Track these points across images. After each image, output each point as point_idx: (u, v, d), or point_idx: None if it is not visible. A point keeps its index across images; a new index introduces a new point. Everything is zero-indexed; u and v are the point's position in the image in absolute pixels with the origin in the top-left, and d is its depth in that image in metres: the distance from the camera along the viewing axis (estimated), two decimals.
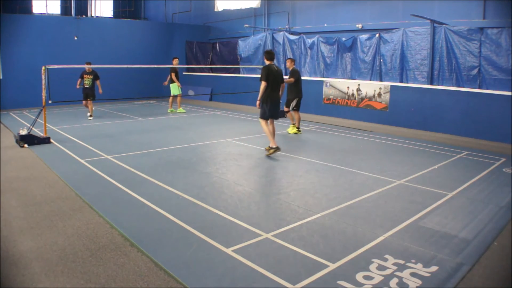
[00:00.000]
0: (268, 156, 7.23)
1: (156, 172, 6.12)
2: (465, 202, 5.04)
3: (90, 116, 11.72)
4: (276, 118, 7.54)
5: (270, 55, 7.42)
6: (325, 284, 3.08)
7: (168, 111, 13.61)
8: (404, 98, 11.17)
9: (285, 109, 9.70)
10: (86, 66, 11.24)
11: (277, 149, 7.22)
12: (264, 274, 3.21)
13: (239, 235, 3.95)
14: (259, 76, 7.32)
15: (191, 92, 12.85)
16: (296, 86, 9.46)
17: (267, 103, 7.28)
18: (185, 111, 13.74)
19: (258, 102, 7.29)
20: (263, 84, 7.13)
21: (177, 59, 13.38)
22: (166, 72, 13.93)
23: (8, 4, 17.62)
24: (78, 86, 11.63)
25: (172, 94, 13.38)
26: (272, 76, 7.20)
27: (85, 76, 11.48)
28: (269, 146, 7.30)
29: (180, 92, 13.57)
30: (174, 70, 13.25)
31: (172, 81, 13.26)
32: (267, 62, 7.35)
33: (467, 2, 10.74)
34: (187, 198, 5.01)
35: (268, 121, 7.41)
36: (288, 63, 9.86)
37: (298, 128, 9.76)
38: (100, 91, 11.61)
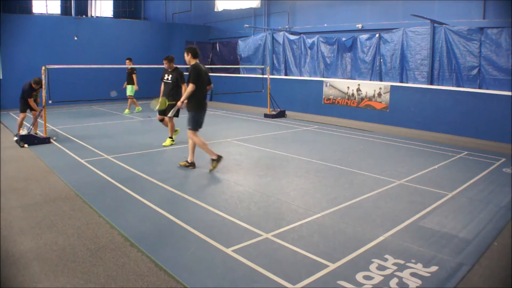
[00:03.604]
0: (212, 170, 6.21)
1: (156, 172, 6.13)
2: (465, 202, 5.04)
3: None
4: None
5: (196, 52, 6.16)
6: (325, 284, 3.08)
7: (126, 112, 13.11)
8: (404, 98, 11.17)
9: (159, 117, 8.32)
10: None
11: (191, 164, 6.36)
12: (264, 274, 3.21)
13: (239, 235, 3.95)
14: (208, 76, 6.27)
15: (113, 94, 12.27)
16: (181, 90, 7.91)
17: (199, 110, 6.19)
18: (129, 112, 13.16)
19: (180, 103, 6.20)
20: (191, 87, 5.95)
21: (128, 60, 12.73)
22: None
23: (8, 4, 17.62)
24: None
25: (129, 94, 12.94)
26: (201, 78, 6.08)
27: None
28: (211, 161, 6.20)
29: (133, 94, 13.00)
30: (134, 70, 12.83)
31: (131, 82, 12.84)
32: (192, 61, 6.10)
33: (467, 2, 10.74)
34: (187, 198, 5.01)
35: (195, 132, 6.24)
36: (166, 64, 8.00)
37: (171, 137, 8.24)
38: None
